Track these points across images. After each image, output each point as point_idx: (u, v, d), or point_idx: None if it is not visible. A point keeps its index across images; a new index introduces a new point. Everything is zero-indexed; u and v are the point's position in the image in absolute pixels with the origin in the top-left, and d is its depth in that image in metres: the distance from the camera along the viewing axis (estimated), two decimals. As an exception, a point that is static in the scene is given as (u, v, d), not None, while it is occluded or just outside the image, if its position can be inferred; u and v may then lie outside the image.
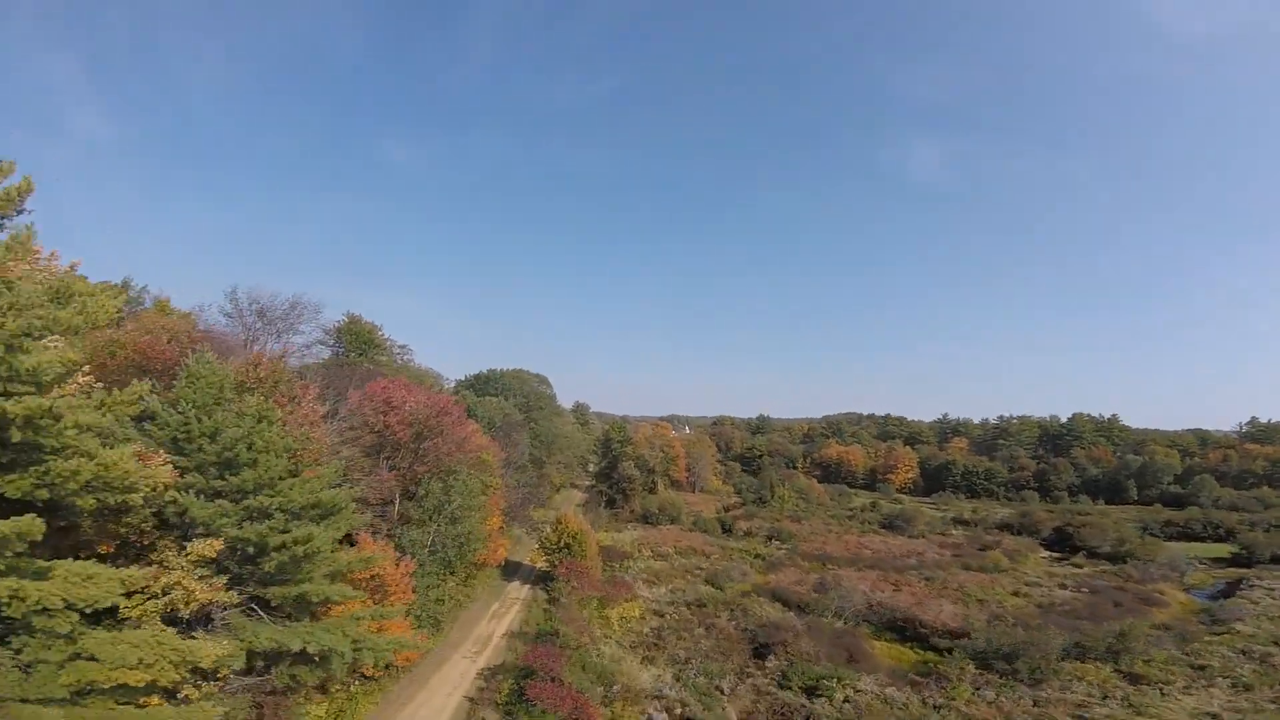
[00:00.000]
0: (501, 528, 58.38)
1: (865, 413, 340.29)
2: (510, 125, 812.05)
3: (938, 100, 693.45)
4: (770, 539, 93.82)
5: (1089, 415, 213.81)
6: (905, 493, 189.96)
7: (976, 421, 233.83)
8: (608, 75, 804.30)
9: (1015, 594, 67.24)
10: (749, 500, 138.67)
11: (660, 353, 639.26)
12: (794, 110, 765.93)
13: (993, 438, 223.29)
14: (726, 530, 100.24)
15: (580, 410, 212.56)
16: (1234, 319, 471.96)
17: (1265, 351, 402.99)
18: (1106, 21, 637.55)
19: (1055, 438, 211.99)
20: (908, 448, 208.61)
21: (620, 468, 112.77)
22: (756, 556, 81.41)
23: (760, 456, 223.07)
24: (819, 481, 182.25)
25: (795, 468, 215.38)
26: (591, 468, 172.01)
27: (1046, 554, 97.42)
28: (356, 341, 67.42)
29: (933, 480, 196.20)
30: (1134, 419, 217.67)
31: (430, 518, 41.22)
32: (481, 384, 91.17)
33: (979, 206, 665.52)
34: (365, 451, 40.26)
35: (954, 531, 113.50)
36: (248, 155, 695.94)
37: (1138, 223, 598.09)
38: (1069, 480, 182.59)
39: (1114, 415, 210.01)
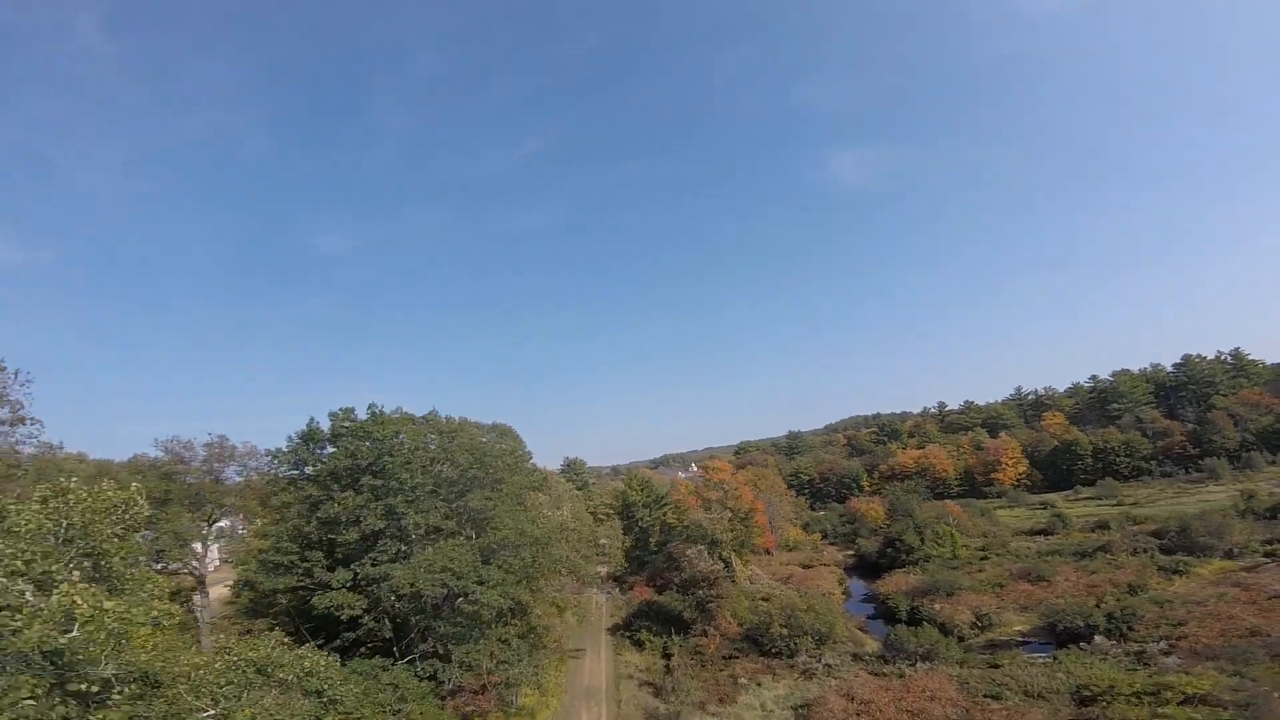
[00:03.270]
0: None
1: (870, 413, 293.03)
2: (439, 197, 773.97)
3: (846, 111, 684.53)
4: (1064, 638, 42.80)
5: (1202, 357, 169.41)
6: (1023, 490, 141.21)
7: (1063, 390, 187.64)
8: (530, 136, 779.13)
9: None
10: (875, 551, 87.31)
11: (636, 396, 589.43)
12: (716, 143, 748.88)
13: (1089, 406, 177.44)
14: (940, 627, 48.46)
15: (575, 468, 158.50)
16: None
17: None
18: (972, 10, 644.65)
19: (1173, 389, 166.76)
20: (1002, 437, 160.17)
21: (683, 561, 59.96)
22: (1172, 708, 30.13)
23: (813, 481, 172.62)
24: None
25: (861, 488, 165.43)
26: (604, 540, 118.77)
27: None
28: None
29: (1051, 470, 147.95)
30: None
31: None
32: (311, 448, 37.27)
33: (905, 201, 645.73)
34: None
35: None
36: (167, 270, 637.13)
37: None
38: (1235, 437, 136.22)
39: (1238, 349, 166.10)
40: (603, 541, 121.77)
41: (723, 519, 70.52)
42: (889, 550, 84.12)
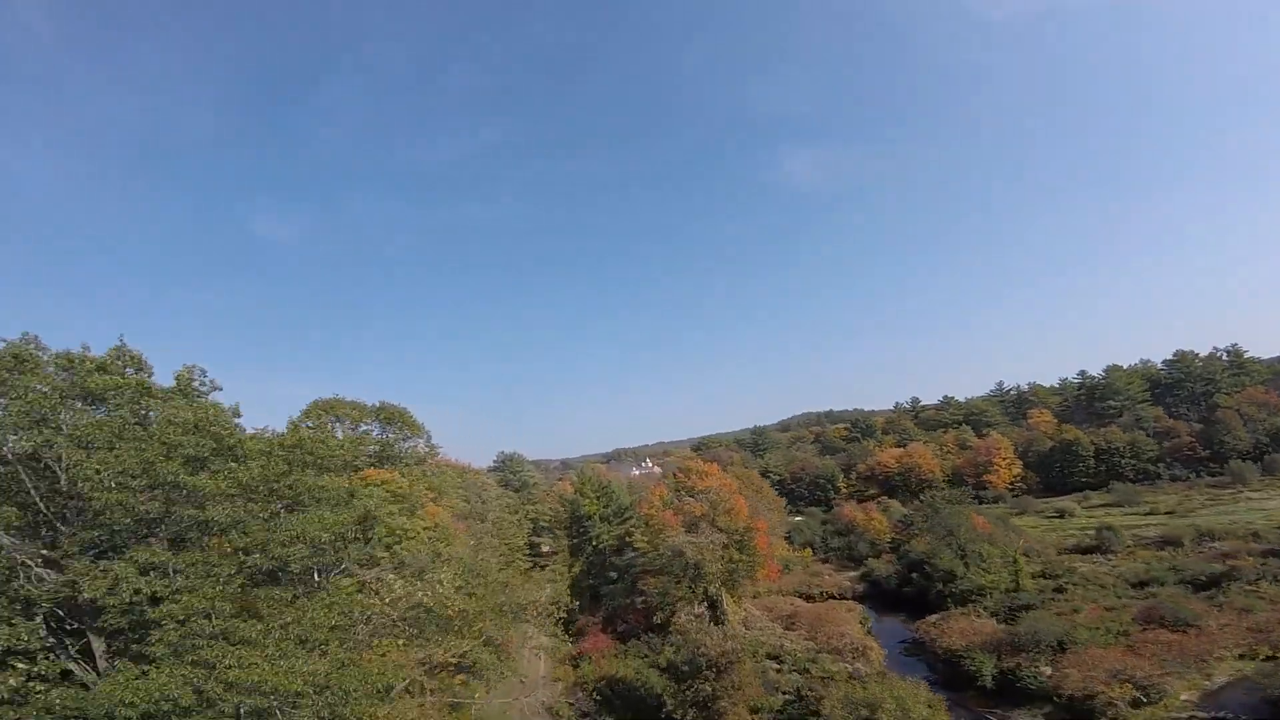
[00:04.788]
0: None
1: (823, 410, 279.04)
2: (389, 185, 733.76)
3: (801, 112, 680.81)
4: None
5: (1195, 353, 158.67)
6: (1019, 494, 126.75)
7: (1050, 384, 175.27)
8: (486, 127, 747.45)
9: None
10: (893, 576, 68.30)
11: (588, 387, 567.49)
12: (673, 139, 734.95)
13: (1077, 403, 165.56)
14: (1068, 701, 29.01)
15: (511, 466, 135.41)
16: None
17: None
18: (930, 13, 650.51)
19: (1168, 387, 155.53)
20: (993, 435, 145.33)
21: (666, 615, 38.97)
22: None
23: (783, 482, 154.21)
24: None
25: (838, 489, 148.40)
26: (547, 549, 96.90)
27: None
28: None
29: (1046, 471, 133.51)
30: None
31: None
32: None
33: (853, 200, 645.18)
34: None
35: None
36: (102, 251, 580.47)
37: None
38: (1248, 438, 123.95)
39: (1235, 345, 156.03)
40: (545, 549, 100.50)
41: (715, 544, 49.89)
42: (913, 576, 65.27)
